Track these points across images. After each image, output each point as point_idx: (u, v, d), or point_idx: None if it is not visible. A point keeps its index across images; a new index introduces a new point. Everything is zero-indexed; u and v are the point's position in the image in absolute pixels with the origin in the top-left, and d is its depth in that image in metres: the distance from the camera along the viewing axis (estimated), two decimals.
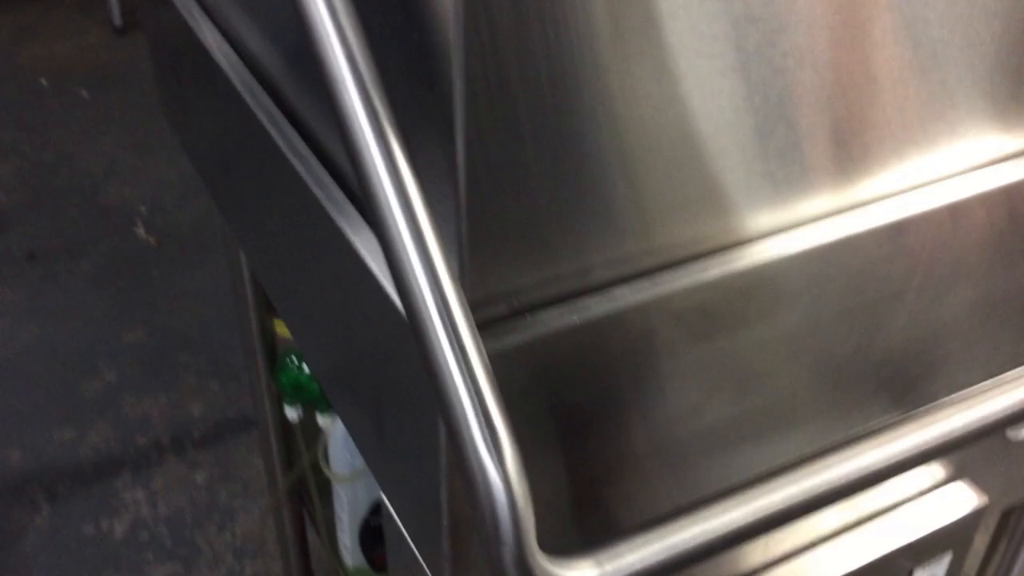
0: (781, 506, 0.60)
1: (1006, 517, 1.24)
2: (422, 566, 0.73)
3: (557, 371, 0.62)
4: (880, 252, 0.71)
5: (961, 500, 0.93)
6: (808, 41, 0.60)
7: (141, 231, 2.82)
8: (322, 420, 1.42)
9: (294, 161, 0.77)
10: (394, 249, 0.51)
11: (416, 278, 0.51)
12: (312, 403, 1.42)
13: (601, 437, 0.67)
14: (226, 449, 2.19)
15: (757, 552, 0.85)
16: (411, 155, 0.52)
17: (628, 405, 0.67)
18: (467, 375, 0.50)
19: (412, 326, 0.52)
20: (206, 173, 1.20)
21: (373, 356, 0.73)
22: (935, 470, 0.93)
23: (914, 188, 0.73)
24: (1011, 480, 1.01)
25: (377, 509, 1.41)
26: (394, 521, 0.78)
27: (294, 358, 1.40)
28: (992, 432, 0.67)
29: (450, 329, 0.51)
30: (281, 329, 1.42)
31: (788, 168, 0.66)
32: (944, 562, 0.94)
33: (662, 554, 0.57)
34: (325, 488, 1.52)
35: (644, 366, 0.65)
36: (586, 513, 0.70)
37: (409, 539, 0.75)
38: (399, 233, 0.51)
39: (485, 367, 0.51)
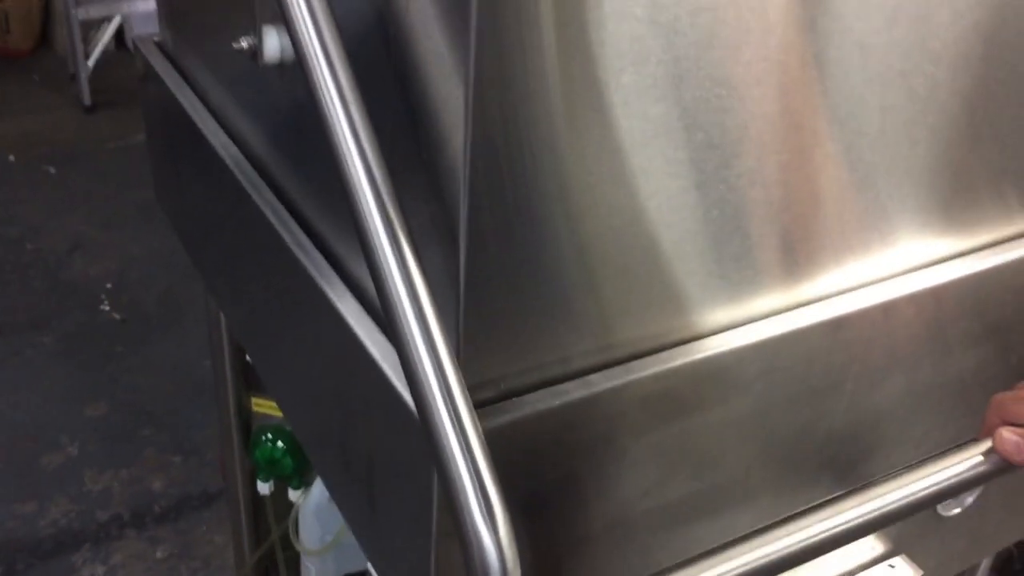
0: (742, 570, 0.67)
1: None
2: None
3: (537, 450, 0.70)
4: (822, 345, 0.80)
5: (898, 575, 1.00)
6: (759, 164, 0.70)
7: (106, 306, 2.85)
8: (294, 495, 1.46)
9: (297, 252, 0.84)
10: (404, 339, 0.59)
11: (423, 365, 0.58)
12: (284, 479, 1.47)
13: (569, 514, 0.74)
14: (187, 525, 2.20)
15: None
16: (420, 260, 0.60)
17: (598, 481, 0.74)
18: (466, 450, 0.57)
19: (417, 406, 0.59)
20: (197, 254, 1.26)
21: (366, 431, 0.80)
22: (874, 546, 1.00)
23: (852, 289, 0.82)
24: (945, 554, 1.09)
25: None
26: None
27: (269, 435, 1.45)
28: (922, 508, 0.75)
29: (452, 410, 0.58)
30: (257, 406, 1.48)
31: (742, 271, 0.75)
32: None
33: None
34: (292, 563, 1.56)
35: (614, 445, 0.73)
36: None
37: None
38: (407, 324, 0.59)
39: (482, 443, 0.58)
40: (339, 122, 0.61)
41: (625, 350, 0.72)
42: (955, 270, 0.85)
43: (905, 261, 0.84)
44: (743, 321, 0.77)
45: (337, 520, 1.39)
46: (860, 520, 0.73)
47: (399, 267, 0.59)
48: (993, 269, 0.87)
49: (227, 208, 1.04)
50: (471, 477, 0.57)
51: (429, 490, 0.67)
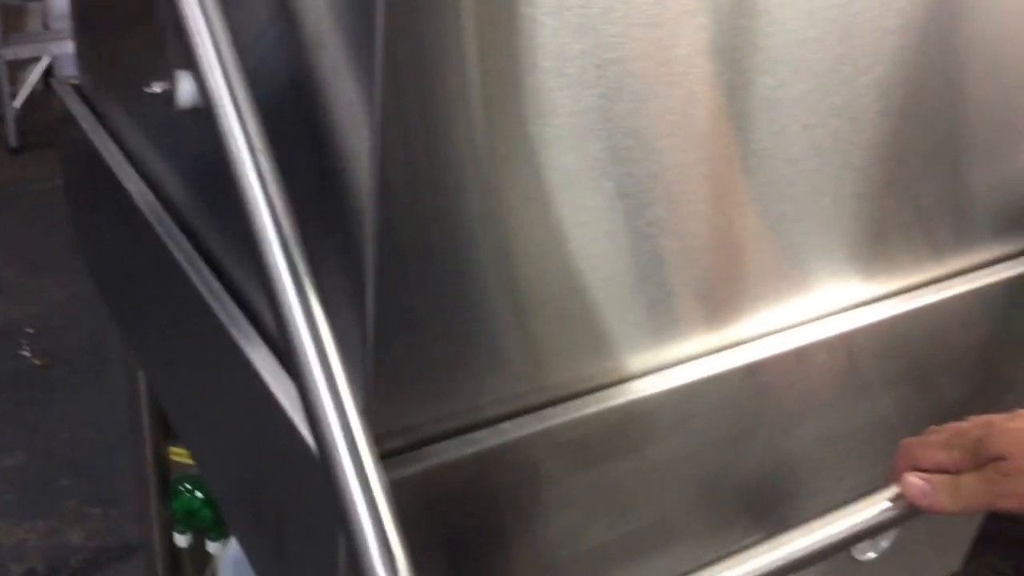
0: None
1: None
2: None
3: (449, 499, 0.69)
4: (736, 391, 0.81)
5: None
6: (670, 213, 0.71)
7: (26, 352, 2.77)
8: (212, 547, 1.43)
9: (208, 299, 0.83)
10: (307, 386, 0.58)
11: (326, 415, 0.58)
12: (203, 530, 1.43)
13: (486, 562, 0.74)
14: None
15: None
16: (325, 305, 0.59)
17: (512, 531, 0.73)
18: (369, 503, 0.57)
19: (321, 456, 0.58)
20: (112, 301, 1.24)
21: (275, 482, 0.78)
22: None
23: (767, 334, 0.83)
24: None
25: None
26: None
27: (187, 485, 1.42)
28: (833, 553, 0.76)
29: (355, 461, 0.57)
30: (175, 455, 1.44)
31: (656, 319, 0.75)
32: None
33: None
34: None
35: (530, 493, 0.73)
36: None
37: None
38: (312, 373, 0.58)
39: (386, 494, 0.57)
40: (247, 170, 0.60)
41: (539, 397, 0.72)
42: (866, 316, 0.87)
43: (819, 307, 0.86)
44: (659, 367, 0.77)
45: None
46: (772, 566, 0.73)
47: (303, 315, 0.58)
48: (903, 315, 0.89)
49: (142, 255, 1.02)
50: (373, 528, 0.56)
51: (335, 544, 0.66)
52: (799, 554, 0.74)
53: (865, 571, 1.08)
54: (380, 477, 0.58)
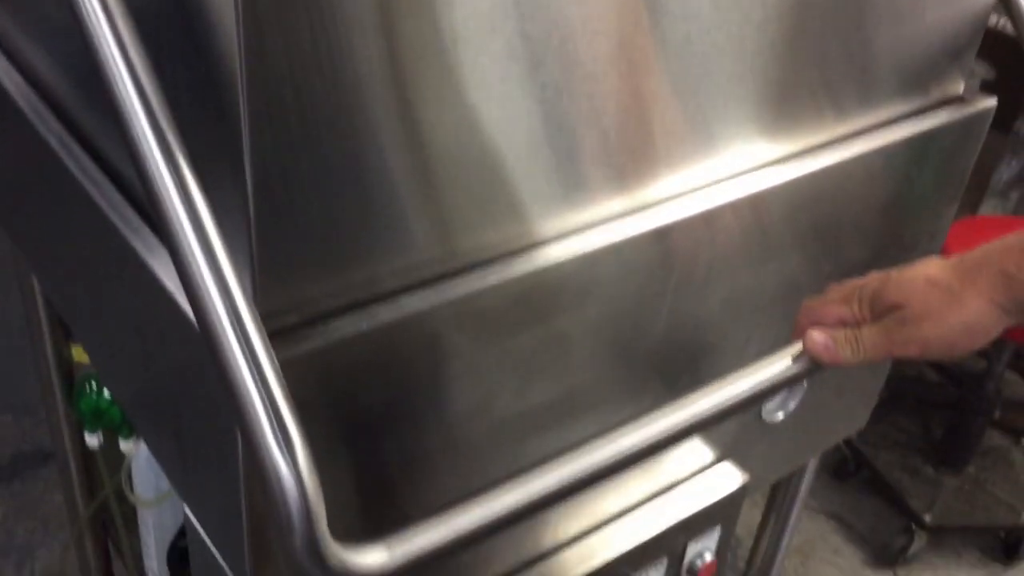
0: (554, 487, 0.67)
1: (775, 492, 1.38)
2: (224, 570, 0.76)
3: (350, 375, 0.67)
4: (645, 256, 0.80)
5: (725, 479, 1.03)
6: (568, 73, 0.68)
7: None
8: (124, 446, 1.40)
9: (86, 184, 0.78)
10: (185, 264, 0.55)
11: (207, 291, 0.55)
12: (114, 429, 1.39)
13: (394, 436, 0.72)
14: (22, 485, 2.10)
15: (548, 535, 0.92)
16: (201, 176, 0.56)
17: (419, 405, 0.72)
18: (259, 380, 0.54)
19: (204, 336, 0.55)
20: None
21: (171, 374, 0.75)
22: (702, 452, 1.03)
23: (673, 198, 0.82)
24: (770, 459, 1.13)
25: (184, 531, 1.40)
26: (199, 534, 0.80)
27: (93, 384, 1.37)
28: (739, 410, 0.76)
29: (241, 338, 0.54)
30: (78, 355, 1.39)
31: (560, 183, 0.73)
32: (714, 535, 1.04)
33: (447, 537, 0.62)
34: (130, 515, 1.50)
35: (432, 368, 0.71)
36: (384, 509, 0.75)
37: (214, 549, 0.78)
38: (190, 249, 0.55)
39: (276, 372, 0.55)
40: (101, 31, 0.56)
41: (438, 267, 0.69)
42: (772, 176, 0.86)
43: (725, 168, 0.85)
44: (563, 233, 0.75)
45: None
46: (680, 426, 0.74)
47: (175, 186, 0.54)
48: (808, 175, 0.88)
49: (16, 145, 0.96)
50: (265, 407, 0.54)
51: (231, 429, 0.64)
52: (706, 414, 0.75)
53: (775, 432, 1.10)
54: (269, 355, 0.55)
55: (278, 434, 0.54)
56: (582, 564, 0.93)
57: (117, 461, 1.43)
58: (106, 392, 1.36)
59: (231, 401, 0.54)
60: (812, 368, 0.79)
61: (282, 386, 0.55)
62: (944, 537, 2.17)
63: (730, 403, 0.76)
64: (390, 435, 0.72)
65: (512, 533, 0.88)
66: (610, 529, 0.96)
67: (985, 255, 0.74)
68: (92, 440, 1.41)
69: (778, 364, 0.78)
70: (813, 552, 2.13)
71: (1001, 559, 2.15)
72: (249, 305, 0.55)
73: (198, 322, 0.55)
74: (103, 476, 1.44)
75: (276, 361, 0.55)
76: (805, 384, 1.07)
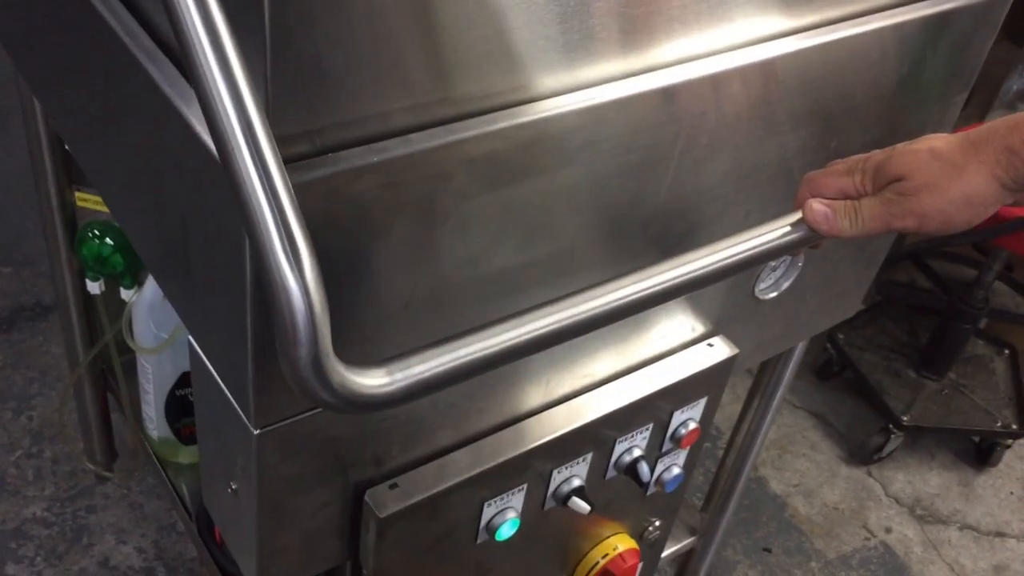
0: (548, 330, 0.69)
1: (756, 384, 1.41)
2: (228, 399, 0.78)
3: (356, 207, 0.68)
4: (650, 116, 0.80)
5: (715, 352, 1.06)
6: None
7: None
8: (126, 294, 1.42)
9: (103, 11, 0.78)
10: (204, 85, 0.55)
11: (223, 109, 0.55)
12: (115, 277, 1.41)
13: (396, 274, 0.74)
14: (20, 336, 2.13)
15: (538, 394, 0.95)
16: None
17: (424, 243, 0.73)
18: (270, 194, 0.55)
19: (219, 152, 0.56)
20: (4, 33, 1.16)
21: (183, 200, 0.76)
22: (695, 326, 1.05)
23: (682, 61, 0.82)
24: (762, 337, 1.15)
25: (182, 380, 1.43)
26: (201, 360, 0.82)
27: (96, 230, 1.39)
28: (734, 271, 0.78)
29: (255, 154, 0.55)
30: (81, 201, 1.40)
31: (571, 34, 0.73)
32: (700, 405, 1.07)
33: (445, 366, 0.64)
34: (129, 366, 1.53)
35: (439, 207, 0.72)
36: (378, 347, 0.76)
37: (218, 378, 0.80)
38: (210, 72, 0.55)
39: (287, 189, 0.56)
40: None
41: (450, 109, 0.70)
42: (783, 46, 0.86)
43: (736, 36, 0.84)
44: (572, 88, 0.76)
45: (172, 318, 1.36)
46: (677, 281, 0.75)
47: (199, 13, 0.54)
48: (819, 47, 0.88)
49: None
50: (276, 221, 0.55)
51: (241, 246, 0.65)
52: (703, 271, 0.76)
53: (766, 311, 1.12)
54: (282, 172, 0.56)
55: (287, 248, 0.56)
56: (570, 422, 0.96)
57: (117, 309, 1.45)
58: (108, 239, 1.38)
59: (243, 214, 0.56)
60: (810, 236, 0.80)
61: (293, 203, 0.56)
62: (920, 439, 2.22)
63: (727, 263, 0.77)
64: (383, 275, 0.73)
65: (505, 389, 0.91)
66: (599, 391, 0.99)
67: (991, 130, 0.74)
68: (94, 287, 1.43)
69: (776, 230, 0.80)
70: (790, 446, 2.19)
71: (973, 464, 2.21)
72: (264, 123, 0.56)
73: (213, 138, 0.56)
74: (103, 323, 1.47)
75: (288, 179, 0.56)
76: (800, 264, 1.09)
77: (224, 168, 0.56)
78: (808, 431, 2.23)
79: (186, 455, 1.52)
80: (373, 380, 0.62)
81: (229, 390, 0.78)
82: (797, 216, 0.80)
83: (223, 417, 0.80)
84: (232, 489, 0.85)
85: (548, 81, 0.74)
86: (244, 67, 0.56)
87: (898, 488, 2.14)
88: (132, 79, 0.75)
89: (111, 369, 1.58)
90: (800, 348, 1.36)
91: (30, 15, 1.03)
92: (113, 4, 0.79)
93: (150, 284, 1.36)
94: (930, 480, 2.17)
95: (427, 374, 0.64)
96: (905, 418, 2.09)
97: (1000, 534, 2.07)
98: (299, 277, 0.56)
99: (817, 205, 0.80)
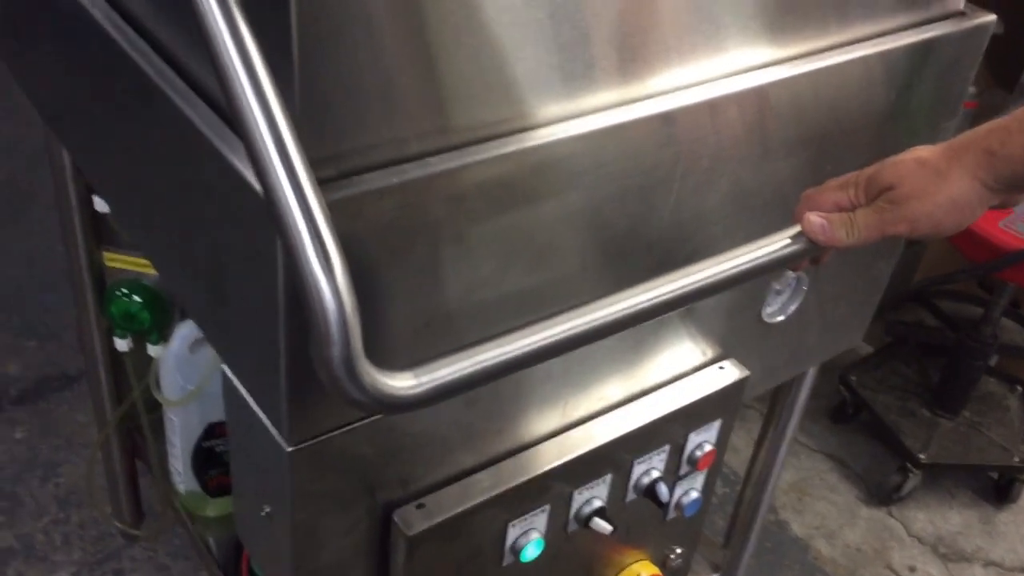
0: (563, 335, 0.73)
1: (775, 402, 1.44)
2: (262, 421, 0.82)
3: (376, 228, 0.72)
4: (651, 140, 0.85)
5: (726, 375, 1.09)
6: None
7: None
8: (153, 350, 1.46)
9: (134, 55, 0.84)
10: (243, 113, 0.60)
11: (261, 133, 0.60)
12: (143, 334, 1.46)
13: (414, 293, 0.78)
14: (47, 406, 2.17)
15: (556, 416, 0.98)
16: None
17: (434, 266, 0.77)
18: (304, 206, 0.60)
19: (256, 171, 0.61)
20: (33, 87, 1.23)
21: (216, 229, 0.81)
22: (705, 350, 1.09)
23: (682, 88, 0.87)
24: (770, 361, 1.19)
25: (209, 432, 1.47)
26: (235, 388, 0.86)
27: (124, 289, 1.44)
28: (740, 281, 0.82)
29: (290, 170, 0.60)
30: (110, 262, 1.46)
31: (573, 63, 0.78)
32: (715, 427, 1.11)
33: (466, 369, 0.68)
34: (155, 424, 1.56)
35: (453, 229, 0.77)
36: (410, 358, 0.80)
37: (249, 399, 0.84)
38: (248, 98, 0.60)
39: (320, 203, 0.61)
40: None
41: (461, 136, 0.75)
42: (774, 73, 0.91)
43: (729, 64, 0.90)
44: (577, 114, 0.81)
45: (198, 371, 1.40)
46: (681, 292, 0.79)
47: (235, 43, 0.60)
48: (808, 75, 0.93)
49: (60, 25, 1.01)
50: (309, 231, 0.60)
51: (275, 271, 0.70)
52: (710, 279, 0.81)
53: (775, 336, 1.16)
54: (314, 187, 0.61)
55: (320, 255, 0.60)
56: (588, 443, 0.99)
57: (143, 369, 1.50)
58: (136, 296, 1.43)
59: (278, 225, 0.60)
60: (810, 248, 0.85)
61: (325, 214, 0.61)
62: (938, 477, 2.23)
63: (732, 273, 0.82)
64: (412, 292, 0.77)
65: (524, 412, 0.95)
66: (615, 414, 1.03)
67: (970, 137, 0.79)
68: (122, 344, 1.48)
69: (777, 243, 0.84)
70: (810, 489, 2.19)
71: (992, 501, 2.21)
72: (295, 142, 0.61)
73: (250, 157, 0.61)
74: (131, 379, 1.51)
75: (320, 193, 0.61)
76: (804, 288, 1.13)
77: (261, 182, 0.61)
78: (826, 474, 2.24)
79: (214, 508, 1.55)
80: (401, 382, 0.66)
81: (263, 412, 0.82)
82: (796, 229, 0.85)
83: (256, 441, 0.84)
84: (266, 513, 0.88)
85: (552, 109, 0.79)
86: (279, 98, 0.61)
87: (920, 527, 2.14)
88: (166, 120, 0.81)
89: (138, 428, 1.61)
90: (810, 378, 1.39)
91: (58, 66, 1.10)
92: (139, 45, 0.85)
93: (177, 338, 1.40)
94: (951, 518, 2.17)
95: (450, 377, 0.68)
96: (922, 456, 2.10)
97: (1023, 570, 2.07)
98: (331, 280, 0.60)
99: (815, 217, 0.84)
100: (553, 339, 0.72)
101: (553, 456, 0.97)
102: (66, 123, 1.18)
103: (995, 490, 2.22)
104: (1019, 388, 2.31)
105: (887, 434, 2.18)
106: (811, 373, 1.38)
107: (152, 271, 1.44)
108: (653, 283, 0.78)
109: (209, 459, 1.50)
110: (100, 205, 1.36)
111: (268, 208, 0.61)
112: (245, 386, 0.84)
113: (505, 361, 0.70)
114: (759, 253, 0.83)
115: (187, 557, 1.89)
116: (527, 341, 0.71)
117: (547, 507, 0.99)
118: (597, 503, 1.02)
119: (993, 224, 1.92)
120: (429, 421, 0.87)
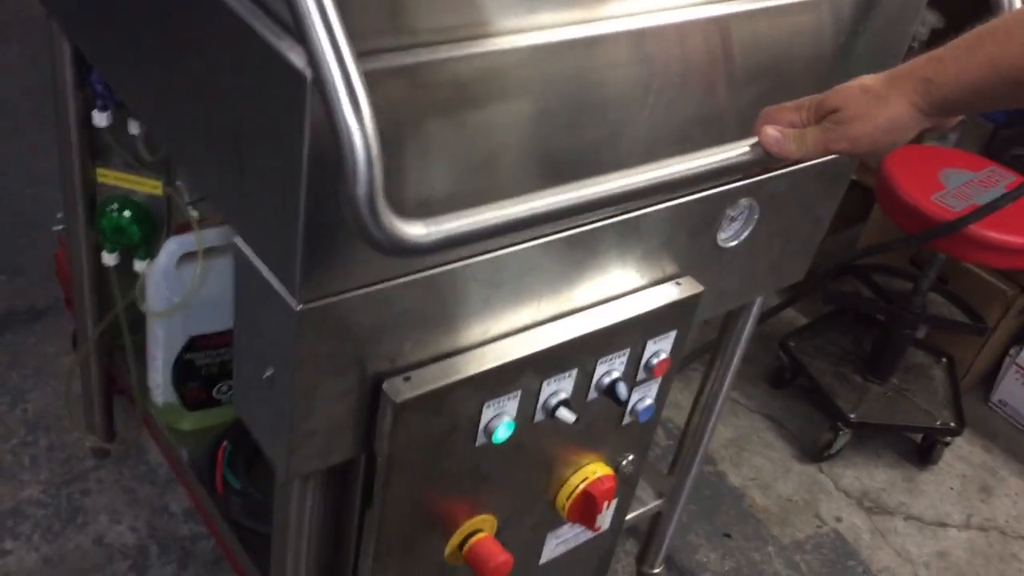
0: (550, 207, 0.83)
1: (732, 317, 1.55)
2: (271, 285, 0.91)
3: (392, 103, 0.82)
4: (625, 55, 0.95)
5: (683, 289, 1.20)
6: None
7: None
8: (140, 266, 1.53)
9: None
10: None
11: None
12: (131, 248, 1.53)
13: (427, 162, 0.87)
14: (15, 338, 2.21)
15: (530, 312, 1.09)
16: None
17: (440, 142, 0.87)
18: (340, 63, 0.70)
19: (298, 28, 0.70)
20: None
21: (238, 102, 0.89)
22: (665, 267, 1.20)
23: (651, 11, 0.97)
24: (721, 288, 1.30)
25: (191, 345, 1.54)
26: (245, 257, 0.94)
27: (116, 204, 1.51)
28: (701, 182, 0.93)
29: (329, 32, 0.70)
30: (102, 178, 1.52)
31: None
32: (670, 337, 1.22)
33: (468, 227, 0.78)
34: (136, 343, 1.63)
35: (454, 110, 0.86)
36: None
37: (259, 262, 0.92)
38: None
39: (354, 58, 0.70)
40: None
41: (464, 32, 0.85)
42: (734, 6, 1.03)
43: None
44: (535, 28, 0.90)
45: (184, 285, 1.48)
46: (645, 184, 0.90)
47: None
48: (766, 11, 1.05)
49: None
50: (343, 78, 0.69)
51: (301, 142, 0.79)
52: (678, 175, 0.91)
53: (726, 261, 1.27)
54: (350, 45, 0.70)
55: (354, 105, 0.70)
56: (557, 337, 1.09)
57: (128, 287, 1.57)
58: (127, 212, 1.50)
59: (318, 77, 0.70)
60: (764, 157, 0.96)
61: (358, 70, 0.70)
62: (866, 438, 2.37)
63: (697, 171, 0.93)
64: (421, 164, 0.87)
65: (502, 305, 1.05)
66: (583, 314, 1.13)
67: (909, 66, 0.91)
68: (109, 259, 1.55)
69: (736, 150, 0.95)
70: (747, 444, 2.33)
71: (915, 462, 2.36)
72: (336, 10, 0.70)
73: (296, 27, 0.70)
74: (115, 293, 1.58)
75: (353, 49, 0.70)
76: (756, 217, 1.25)
77: (304, 43, 0.70)
78: (763, 432, 2.37)
79: (189, 421, 1.63)
80: (414, 229, 0.75)
81: (274, 275, 0.91)
82: (754, 140, 0.96)
83: (265, 304, 0.93)
84: (268, 376, 0.97)
85: (512, 21, 0.88)
86: None
87: (847, 483, 2.28)
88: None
89: (119, 345, 1.68)
90: (752, 319, 1.51)
91: None
92: None
93: (165, 253, 1.48)
94: (877, 476, 2.32)
95: (455, 231, 0.78)
96: (853, 416, 2.25)
97: (942, 524, 2.22)
98: (361, 127, 0.70)
99: (771, 130, 0.95)
100: (540, 210, 0.83)
101: (526, 346, 1.08)
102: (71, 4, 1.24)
103: (918, 452, 2.37)
104: (944, 360, 2.47)
105: (821, 396, 2.32)
106: (753, 313, 1.50)
107: (142, 188, 1.51)
108: (630, 171, 0.89)
109: (189, 371, 1.57)
110: (98, 120, 1.42)
111: (310, 61, 0.70)
112: (258, 253, 0.93)
113: (499, 224, 0.80)
114: (720, 157, 0.94)
115: (152, 482, 1.95)
116: (519, 208, 0.82)
117: (518, 393, 1.09)
118: (563, 395, 1.13)
119: (926, 198, 2.06)
120: (420, 300, 0.97)
